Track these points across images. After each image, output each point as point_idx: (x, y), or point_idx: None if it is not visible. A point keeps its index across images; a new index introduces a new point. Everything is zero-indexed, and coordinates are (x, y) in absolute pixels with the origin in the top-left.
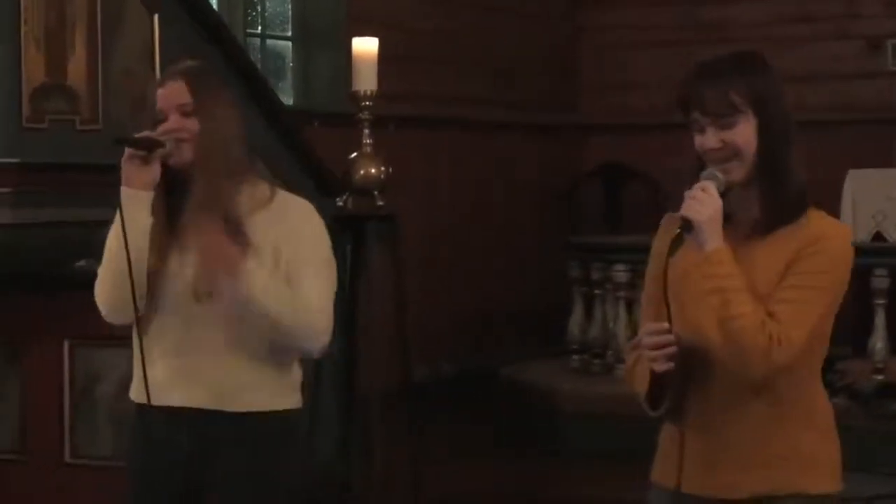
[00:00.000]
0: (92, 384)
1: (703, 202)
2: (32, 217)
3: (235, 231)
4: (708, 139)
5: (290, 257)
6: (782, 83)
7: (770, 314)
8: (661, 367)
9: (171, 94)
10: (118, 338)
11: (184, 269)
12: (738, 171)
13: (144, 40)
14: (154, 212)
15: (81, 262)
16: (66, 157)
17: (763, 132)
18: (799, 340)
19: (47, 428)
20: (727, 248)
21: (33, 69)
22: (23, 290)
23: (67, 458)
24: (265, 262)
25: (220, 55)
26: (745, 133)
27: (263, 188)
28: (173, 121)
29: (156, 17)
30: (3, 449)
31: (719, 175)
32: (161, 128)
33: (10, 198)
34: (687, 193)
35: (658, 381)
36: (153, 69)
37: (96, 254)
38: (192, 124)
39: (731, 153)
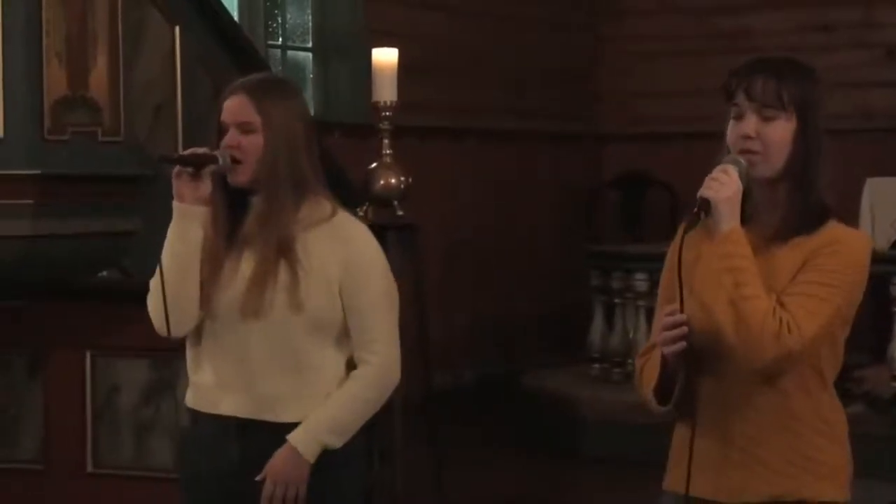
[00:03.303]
0: (113, 394)
1: (723, 182)
2: (54, 228)
3: (286, 250)
4: (745, 125)
5: (354, 291)
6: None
7: (781, 305)
8: (671, 348)
9: (233, 108)
10: (138, 348)
11: (235, 280)
12: (760, 168)
13: (166, 52)
14: (214, 222)
15: (103, 273)
16: (87, 168)
17: (800, 137)
18: (809, 331)
19: (69, 438)
20: (743, 231)
21: (55, 81)
22: (44, 301)
23: (89, 468)
24: (314, 284)
25: (241, 67)
26: (782, 132)
27: (325, 205)
28: (230, 137)
29: (177, 28)
30: (25, 459)
31: (741, 160)
32: (223, 143)
33: (31, 209)
34: (708, 177)
35: (668, 372)
36: (175, 81)
37: (118, 265)
38: (251, 143)
39: (760, 147)
